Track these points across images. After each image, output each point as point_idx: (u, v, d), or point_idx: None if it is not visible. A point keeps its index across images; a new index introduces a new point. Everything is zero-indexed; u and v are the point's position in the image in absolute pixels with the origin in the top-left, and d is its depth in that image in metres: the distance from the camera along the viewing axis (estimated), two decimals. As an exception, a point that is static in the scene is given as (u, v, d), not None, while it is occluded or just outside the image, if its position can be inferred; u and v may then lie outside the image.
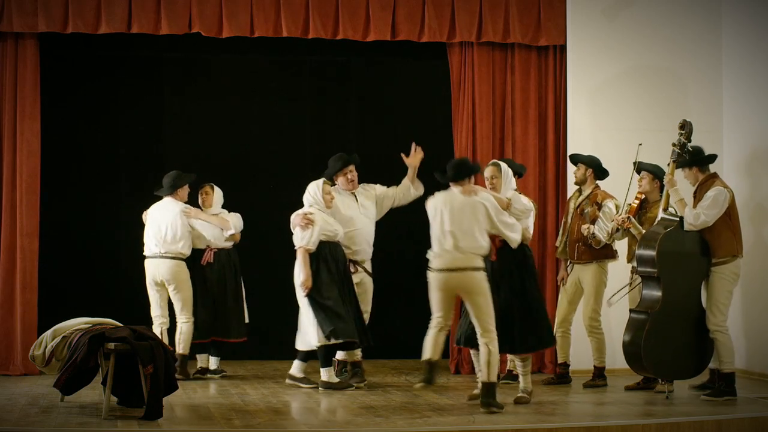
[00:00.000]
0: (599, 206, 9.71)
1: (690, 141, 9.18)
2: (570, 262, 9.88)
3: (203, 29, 10.38)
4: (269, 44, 10.91)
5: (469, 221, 8.28)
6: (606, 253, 9.76)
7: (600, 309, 9.81)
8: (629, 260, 9.64)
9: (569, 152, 10.62)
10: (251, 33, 10.48)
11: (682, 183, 9.22)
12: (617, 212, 9.68)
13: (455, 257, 8.26)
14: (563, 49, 10.92)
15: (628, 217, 9.44)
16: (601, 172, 9.89)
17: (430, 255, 8.43)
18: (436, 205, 8.44)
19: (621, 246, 9.83)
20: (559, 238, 10.01)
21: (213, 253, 10.24)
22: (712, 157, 9.13)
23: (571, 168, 10.20)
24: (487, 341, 8.24)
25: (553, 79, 10.96)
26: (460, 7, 10.71)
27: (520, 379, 8.85)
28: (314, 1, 10.50)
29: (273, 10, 10.47)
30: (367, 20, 10.59)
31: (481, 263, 8.30)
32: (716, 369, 9.06)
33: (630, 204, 9.55)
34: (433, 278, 8.38)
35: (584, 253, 9.75)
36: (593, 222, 9.66)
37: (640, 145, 9.47)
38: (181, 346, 9.96)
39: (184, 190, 10.18)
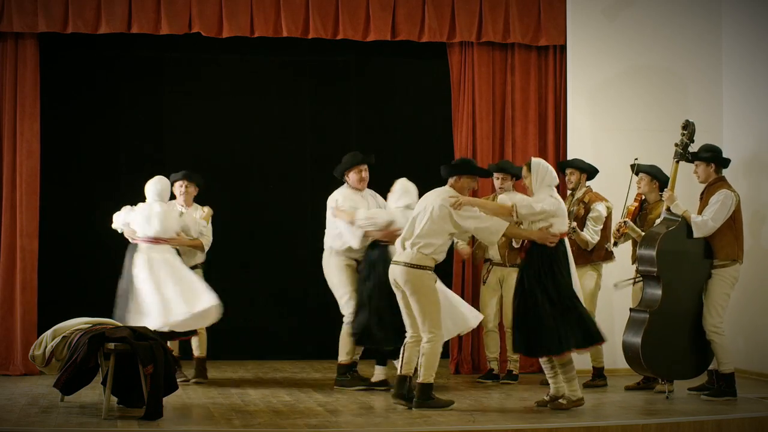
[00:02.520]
0: (585, 205, 9.70)
1: (693, 141, 9.18)
2: None
3: (203, 29, 10.38)
4: (269, 44, 10.92)
5: (430, 221, 8.28)
6: (599, 255, 9.75)
7: (594, 312, 9.79)
8: (634, 261, 9.62)
9: (569, 152, 10.63)
10: (251, 33, 10.48)
11: (688, 181, 9.22)
12: (608, 214, 9.68)
13: (402, 252, 8.37)
14: (563, 49, 10.92)
15: (625, 222, 9.43)
16: (591, 173, 9.89)
17: None
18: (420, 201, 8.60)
19: (623, 248, 9.81)
20: None
21: None
22: (728, 161, 9.17)
23: (571, 168, 10.18)
24: (427, 340, 8.25)
25: (553, 79, 10.96)
26: (460, 7, 10.71)
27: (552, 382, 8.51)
28: (314, 1, 10.50)
29: (273, 10, 10.47)
30: (367, 20, 10.60)
31: (425, 263, 8.27)
32: (714, 370, 9.07)
33: (628, 207, 9.55)
34: None
35: (578, 257, 9.72)
36: (576, 219, 9.64)
37: (636, 159, 9.48)
38: (201, 349, 9.85)
39: None
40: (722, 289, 8.95)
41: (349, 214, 9.38)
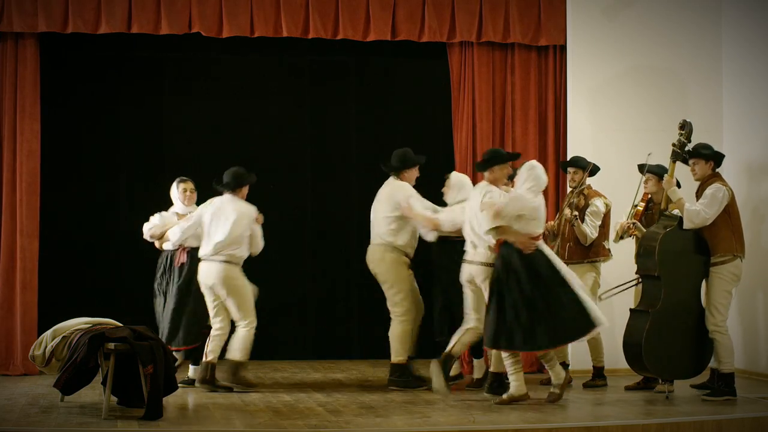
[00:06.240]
0: (585, 198, 9.70)
1: (690, 141, 9.18)
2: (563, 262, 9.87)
3: (203, 29, 10.38)
4: (269, 44, 10.92)
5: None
6: (597, 252, 9.73)
7: None
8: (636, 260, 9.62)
9: (569, 152, 10.63)
10: (251, 33, 10.48)
11: (685, 178, 9.22)
12: (606, 211, 9.67)
13: (474, 251, 8.89)
14: (563, 49, 10.93)
15: (634, 223, 9.43)
16: (593, 171, 9.89)
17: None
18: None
19: (622, 246, 9.81)
20: (552, 240, 9.88)
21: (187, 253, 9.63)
22: (723, 158, 9.19)
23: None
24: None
25: (553, 79, 10.96)
26: (460, 7, 10.72)
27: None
28: (314, 1, 10.51)
29: (273, 10, 10.48)
30: (367, 20, 10.60)
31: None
32: (715, 369, 9.07)
33: (636, 207, 9.54)
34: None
35: (575, 252, 9.72)
36: (577, 208, 9.64)
37: (650, 154, 9.48)
38: (239, 353, 9.33)
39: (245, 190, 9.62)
40: (722, 287, 8.92)
41: (431, 221, 9.31)
